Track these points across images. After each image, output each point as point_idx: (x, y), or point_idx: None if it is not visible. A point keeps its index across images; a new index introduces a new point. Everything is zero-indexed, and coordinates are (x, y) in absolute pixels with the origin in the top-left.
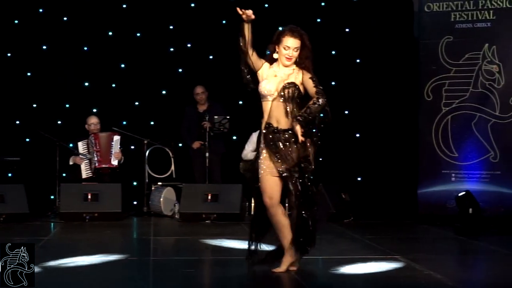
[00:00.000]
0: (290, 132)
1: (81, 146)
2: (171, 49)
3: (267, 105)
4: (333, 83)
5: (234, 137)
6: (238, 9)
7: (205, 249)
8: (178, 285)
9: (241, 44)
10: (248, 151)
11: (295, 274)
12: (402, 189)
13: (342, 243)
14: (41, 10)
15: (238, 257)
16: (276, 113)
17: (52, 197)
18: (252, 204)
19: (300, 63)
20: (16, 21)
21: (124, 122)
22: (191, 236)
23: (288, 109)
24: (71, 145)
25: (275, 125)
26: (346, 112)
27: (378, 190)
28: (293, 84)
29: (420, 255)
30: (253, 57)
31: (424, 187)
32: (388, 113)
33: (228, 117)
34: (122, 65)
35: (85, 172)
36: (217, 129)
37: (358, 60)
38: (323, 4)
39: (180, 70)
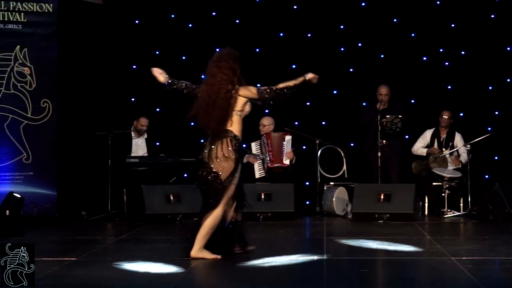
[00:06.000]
0: None
1: (254, 146)
2: (342, 49)
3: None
4: (508, 80)
5: (407, 136)
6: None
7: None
8: (352, 285)
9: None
10: (418, 147)
11: (471, 275)
12: None
13: None
14: (214, 14)
15: (411, 258)
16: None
17: None
18: (426, 204)
19: None
20: (190, 25)
21: (296, 122)
22: (364, 236)
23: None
24: (244, 145)
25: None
26: None
27: None
28: None
29: None
30: None
31: None
32: None
33: (400, 116)
34: (293, 66)
35: (258, 172)
36: (389, 128)
37: None
38: None
39: (351, 69)
